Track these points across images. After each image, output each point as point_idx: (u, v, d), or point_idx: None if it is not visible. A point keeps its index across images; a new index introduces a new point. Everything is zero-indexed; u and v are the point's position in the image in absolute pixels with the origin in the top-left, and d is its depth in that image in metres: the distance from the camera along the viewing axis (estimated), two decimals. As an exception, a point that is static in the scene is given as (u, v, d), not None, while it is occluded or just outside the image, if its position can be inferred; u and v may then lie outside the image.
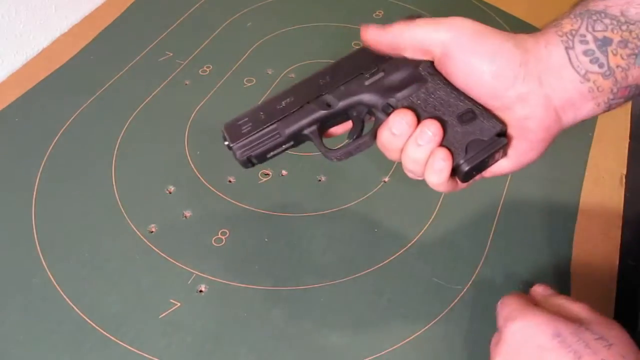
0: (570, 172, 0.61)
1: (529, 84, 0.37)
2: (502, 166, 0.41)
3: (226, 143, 0.43)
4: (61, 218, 0.58)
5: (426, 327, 0.48)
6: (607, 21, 0.37)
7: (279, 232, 0.56)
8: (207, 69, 0.75)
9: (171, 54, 0.77)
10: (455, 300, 0.50)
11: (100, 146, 0.65)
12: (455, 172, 0.39)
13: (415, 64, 0.43)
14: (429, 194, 0.58)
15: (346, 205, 0.58)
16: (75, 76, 0.75)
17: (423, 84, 0.42)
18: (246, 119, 0.43)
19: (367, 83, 0.43)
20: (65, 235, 0.56)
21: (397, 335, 0.48)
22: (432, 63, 0.42)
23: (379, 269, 0.53)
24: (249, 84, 0.73)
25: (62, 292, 0.52)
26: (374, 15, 0.83)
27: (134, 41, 0.80)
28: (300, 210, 0.58)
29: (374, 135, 0.42)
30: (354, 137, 0.44)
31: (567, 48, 0.37)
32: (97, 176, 0.62)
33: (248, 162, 0.43)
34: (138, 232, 0.56)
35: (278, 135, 0.43)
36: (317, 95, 0.43)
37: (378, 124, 0.42)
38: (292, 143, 0.44)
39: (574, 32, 0.37)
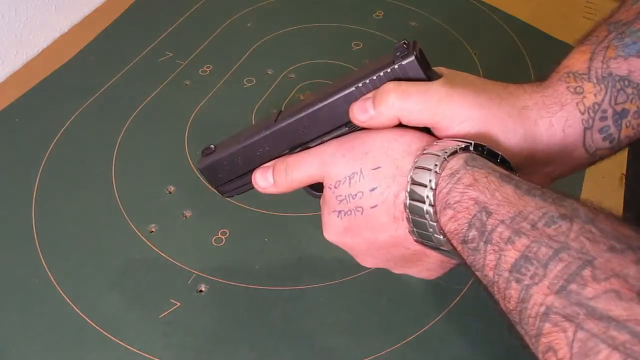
0: (570, 172, 0.61)
1: (531, 167, 0.36)
2: None
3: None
4: (61, 218, 0.58)
5: (426, 327, 0.48)
6: (629, 90, 0.35)
7: (279, 232, 0.56)
8: (207, 69, 0.75)
9: (171, 54, 0.77)
10: (455, 300, 0.50)
11: (100, 146, 0.65)
12: None
13: None
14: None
15: (346, 205, 0.58)
16: (75, 76, 0.75)
17: None
18: (224, 162, 0.42)
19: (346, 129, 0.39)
20: (65, 235, 0.56)
21: (397, 335, 0.48)
22: None
23: (379, 269, 0.53)
24: (249, 84, 0.73)
25: (62, 292, 0.52)
26: (373, 15, 0.83)
27: (134, 41, 0.80)
28: (300, 210, 0.58)
29: None
30: None
31: (585, 129, 0.36)
32: (97, 176, 0.62)
33: (229, 197, 0.44)
34: (138, 232, 0.56)
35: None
36: (295, 145, 0.41)
37: None
38: None
39: (596, 107, 0.35)
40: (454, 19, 0.81)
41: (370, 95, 0.36)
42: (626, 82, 0.35)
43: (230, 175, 0.43)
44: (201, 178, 0.61)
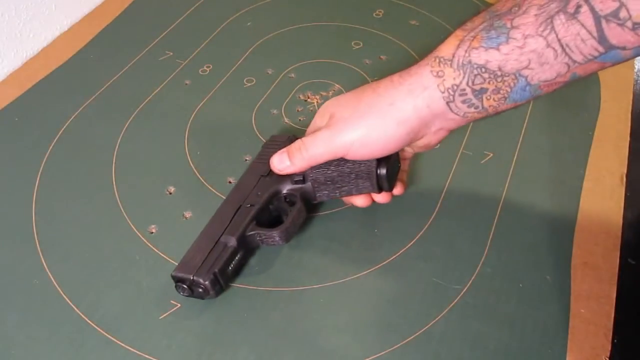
0: (570, 172, 0.61)
1: (420, 132, 0.46)
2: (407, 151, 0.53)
3: (186, 284, 0.48)
4: (61, 218, 0.58)
5: (426, 327, 0.48)
6: (485, 75, 0.41)
7: (279, 232, 0.56)
8: (207, 69, 0.75)
9: (171, 54, 0.77)
10: (455, 300, 0.50)
11: (100, 146, 0.65)
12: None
13: None
14: (428, 194, 0.58)
15: (346, 206, 0.58)
16: (75, 76, 0.75)
17: None
18: (192, 253, 0.49)
19: (269, 179, 0.54)
20: (65, 235, 0.56)
21: (397, 335, 0.48)
22: None
23: (379, 269, 0.53)
24: (249, 84, 0.73)
25: (62, 293, 0.52)
26: (374, 14, 0.83)
27: (134, 40, 0.80)
28: (300, 210, 0.58)
29: (298, 203, 0.52)
30: (285, 218, 0.52)
31: (448, 102, 0.44)
32: (97, 176, 0.62)
33: (216, 283, 0.49)
34: (138, 233, 0.56)
35: (227, 246, 0.50)
36: (238, 206, 0.52)
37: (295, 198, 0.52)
38: (242, 252, 0.51)
39: (455, 87, 0.43)
40: (454, 18, 0.81)
41: (285, 149, 0.51)
42: (482, 69, 0.41)
43: (201, 258, 0.49)
44: (201, 179, 0.61)
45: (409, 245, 0.54)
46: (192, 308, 0.50)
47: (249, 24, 0.82)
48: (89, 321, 0.49)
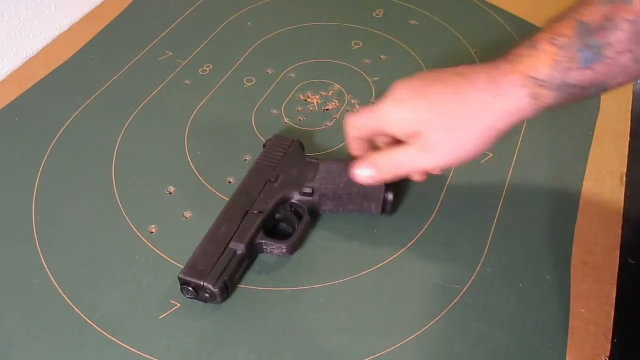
0: (570, 171, 0.61)
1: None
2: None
3: (193, 287, 0.48)
4: (61, 218, 0.58)
5: (426, 327, 0.48)
6: (576, 91, 0.42)
7: (279, 232, 0.56)
8: (207, 69, 0.75)
9: (171, 54, 0.77)
10: (455, 300, 0.50)
11: (100, 146, 0.65)
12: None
13: (303, 158, 0.56)
14: (428, 194, 0.58)
15: (346, 205, 0.58)
16: (75, 76, 0.75)
17: (317, 167, 0.54)
18: (200, 257, 0.49)
19: (276, 186, 0.54)
20: (65, 235, 0.56)
21: (397, 335, 0.48)
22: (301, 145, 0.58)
23: (379, 269, 0.53)
24: (249, 84, 0.73)
25: (62, 293, 0.52)
26: (374, 14, 0.83)
27: (134, 40, 0.80)
28: (300, 210, 0.58)
29: (306, 217, 0.53)
30: (292, 230, 0.53)
31: (536, 115, 0.44)
32: (97, 176, 0.62)
33: (224, 291, 0.49)
34: (138, 233, 0.56)
35: (236, 253, 0.49)
36: (245, 211, 0.52)
37: (302, 209, 0.53)
38: (247, 261, 0.51)
39: (547, 105, 0.44)
40: (453, 18, 0.81)
41: (366, 162, 0.50)
42: (575, 87, 0.42)
43: (210, 263, 0.48)
44: (201, 179, 0.61)
45: (409, 245, 0.54)
46: (192, 308, 0.50)
47: (249, 24, 0.82)
48: (89, 321, 0.49)
